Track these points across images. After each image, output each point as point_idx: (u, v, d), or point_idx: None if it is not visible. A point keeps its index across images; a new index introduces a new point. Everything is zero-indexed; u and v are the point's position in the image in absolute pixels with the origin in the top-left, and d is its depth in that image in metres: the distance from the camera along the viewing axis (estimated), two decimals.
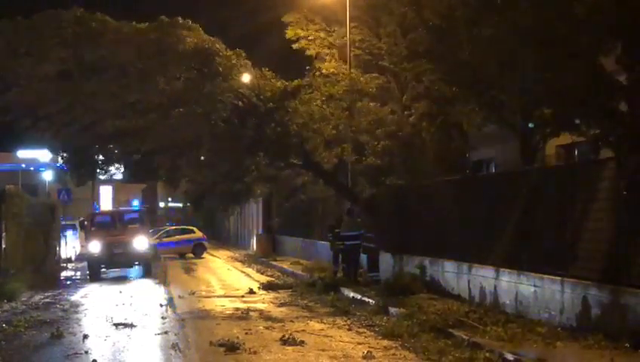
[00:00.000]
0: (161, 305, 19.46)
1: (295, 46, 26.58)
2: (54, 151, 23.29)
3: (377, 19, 24.88)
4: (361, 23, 25.46)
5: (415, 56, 19.88)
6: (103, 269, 30.37)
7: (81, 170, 24.24)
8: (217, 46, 22.08)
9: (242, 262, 38.02)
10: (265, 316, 17.19)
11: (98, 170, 24.83)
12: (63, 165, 24.24)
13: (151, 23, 21.48)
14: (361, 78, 24.46)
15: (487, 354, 11.51)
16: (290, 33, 26.43)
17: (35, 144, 27.67)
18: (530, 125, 16.87)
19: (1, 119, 21.63)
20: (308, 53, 26.60)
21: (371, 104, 24.10)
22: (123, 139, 22.33)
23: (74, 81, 21.21)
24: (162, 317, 17.37)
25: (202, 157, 24.43)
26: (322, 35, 26.50)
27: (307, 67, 26.10)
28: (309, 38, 26.42)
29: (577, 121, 14.43)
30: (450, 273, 18.07)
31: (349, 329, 15.01)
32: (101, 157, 24.30)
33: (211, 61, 21.69)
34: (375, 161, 23.61)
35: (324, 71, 25.17)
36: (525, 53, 13.67)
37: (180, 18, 21.55)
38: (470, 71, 15.56)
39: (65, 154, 23.78)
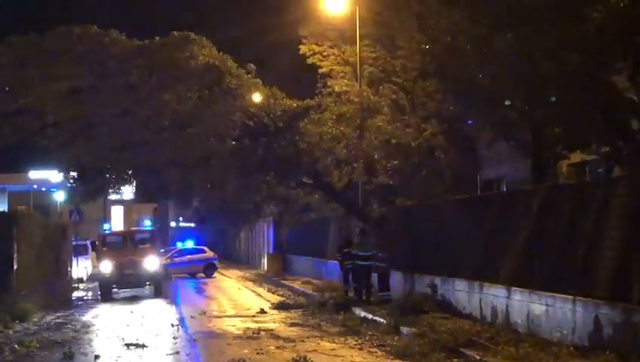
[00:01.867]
0: (173, 325, 19.45)
1: (309, 61, 26.48)
2: (64, 168, 23.18)
3: (391, 36, 24.89)
4: (375, 40, 25.37)
5: (426, 74, 19.93)
6: (115, 289, 30.43)
7: (90, 186, 24.08)
8: (228, 64, 22.13)
9: (253, 281, 37.97)
10: (276, 336, 17.14)
11: (109, 188, 24.69)
12: (72, 182, 24.01)
13: (162, 37, 21.55)
14: (372, 97, 24.44)
15: None
16: (304, 48, 26.35)
17: (45, 159, 27.55)
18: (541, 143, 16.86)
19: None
20: (321, 70, 26.55)
21: (380, 123, 24.04)
22: (133, 153, 22.24)
23: (83, 96, 21.22)
24: (174, 337, 17.34)
25: (213, 176, 24.38)
26: (336, 51, 26.45)
27: (318, 84, 26.09)
28: (324, 54, 26.37)
29: (589, 139, 14.41)
30: (461, 292, 17.99)
31: (361, 349, 14.95)
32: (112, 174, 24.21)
33: (222, 79, 21.73)
34: (386, 180, 23.56)
35: (336, 88, 25.12)
36: (535, 72, 13.68)
37: (192, 34, 21.61)
38: (480, 89, 15.56)
39: (75, 173, 23.66)
